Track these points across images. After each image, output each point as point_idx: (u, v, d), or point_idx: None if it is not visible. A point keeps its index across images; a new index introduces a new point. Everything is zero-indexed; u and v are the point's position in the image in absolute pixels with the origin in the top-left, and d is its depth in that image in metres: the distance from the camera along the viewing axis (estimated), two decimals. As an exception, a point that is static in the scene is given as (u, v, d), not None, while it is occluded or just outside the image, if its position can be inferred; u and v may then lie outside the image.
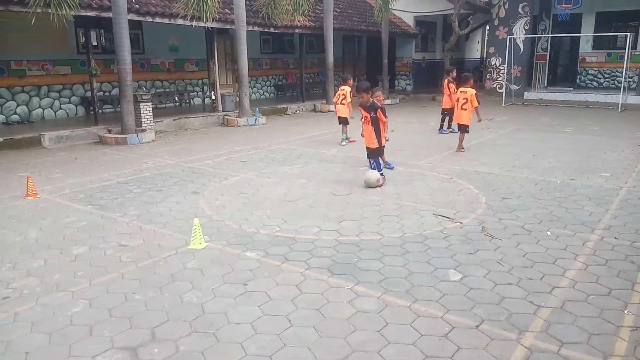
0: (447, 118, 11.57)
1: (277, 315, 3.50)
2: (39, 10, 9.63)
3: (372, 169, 7.03)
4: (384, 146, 7.11)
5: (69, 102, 13.60)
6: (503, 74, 19.97)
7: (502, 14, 20.17)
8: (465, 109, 9.18)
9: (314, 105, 17.15)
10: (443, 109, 11.76)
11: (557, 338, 3.19)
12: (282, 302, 3.69)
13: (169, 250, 4.70)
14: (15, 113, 12.50)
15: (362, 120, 7.07)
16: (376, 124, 6.86)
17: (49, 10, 9.67)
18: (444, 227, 5.25)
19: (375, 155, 7.06)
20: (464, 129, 9.36)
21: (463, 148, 9.36)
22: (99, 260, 4.51)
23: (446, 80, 11.77)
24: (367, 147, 7.05)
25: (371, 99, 6.89)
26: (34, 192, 6.64)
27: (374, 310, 3.54)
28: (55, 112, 13.29)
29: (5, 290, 3.95)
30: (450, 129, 11.49)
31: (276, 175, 7.72)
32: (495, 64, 20.67)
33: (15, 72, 12.37)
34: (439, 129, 11.83)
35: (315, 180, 7.39)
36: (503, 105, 17.36)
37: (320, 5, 17.12)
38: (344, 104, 10.29)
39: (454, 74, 11.89)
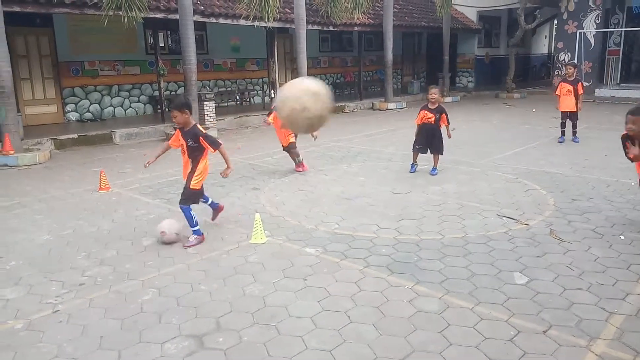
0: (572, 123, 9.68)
1: (337, 311, 3.51)
2: (111, 13, 10.15)
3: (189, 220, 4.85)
4: (200, 189, 4.99)
5: (138, 101, 14.27)
6: (572, 70, 19.04)
7: (572, 7, 19.23)
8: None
9: (372, 103, 17.07)
10: (563, 112, 9.74)
11: (632, 347, 3.02)
12: (341, 298, 3.70)
13: (232, 244, 4.83)
14: (88, 111, 13.25)
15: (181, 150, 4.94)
16: (196, 157, 4.80)
17: (120, 13, 10.18)
18: (509, 229, 5.09)
19: (193, 198, 4.88)
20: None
21: None
22: (167, 251, 4.71)
23: (558, 78, 9.85)
24: (188, 188, 4.86)
25: (192, 122, 4.78)
26: (107, 185, 7.02)
27: (435, 311, 3.49)
28: (125, 110, 13.99)
29: (81, 277, 4.19)
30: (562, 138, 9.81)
31: (334, 172, 7.75)
32: (564, 59, 19.74)
33: (88, 72, 13.11)
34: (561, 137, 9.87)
35: (374, 178, 7.35)
36: (571, 102, 16.56)
37: (379, 2, 17.01)
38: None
39: (571, 70, 9.67)
